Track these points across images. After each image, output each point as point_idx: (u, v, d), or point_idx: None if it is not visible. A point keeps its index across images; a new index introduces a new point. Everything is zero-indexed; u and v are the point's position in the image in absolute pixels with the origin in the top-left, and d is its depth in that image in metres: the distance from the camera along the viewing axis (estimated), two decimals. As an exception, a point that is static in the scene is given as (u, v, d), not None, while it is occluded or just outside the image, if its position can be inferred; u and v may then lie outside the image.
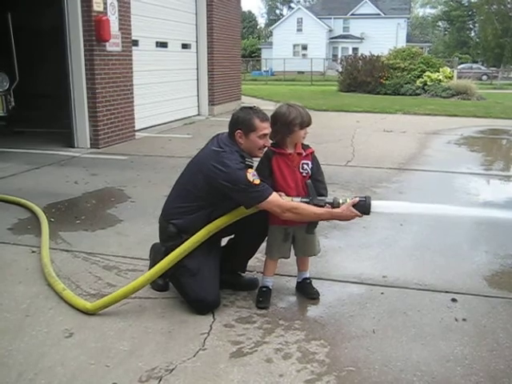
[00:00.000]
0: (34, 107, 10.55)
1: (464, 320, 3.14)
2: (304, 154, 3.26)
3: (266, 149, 3.26)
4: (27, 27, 10.72)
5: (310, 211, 3.11)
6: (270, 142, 3.27)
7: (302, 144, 3.29)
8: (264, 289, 3.42)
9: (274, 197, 3.08)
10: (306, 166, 3.25)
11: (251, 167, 3.14)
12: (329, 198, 3.17)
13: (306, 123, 3.18)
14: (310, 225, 3.25)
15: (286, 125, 3.15)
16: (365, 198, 3.12)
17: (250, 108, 3.27)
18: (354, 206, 3.10)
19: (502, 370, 2.66)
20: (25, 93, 10.06)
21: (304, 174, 3.24)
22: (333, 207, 3.13)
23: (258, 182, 3.07)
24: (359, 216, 3.12)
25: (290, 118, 3.14)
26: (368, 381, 2.58)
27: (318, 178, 3.28)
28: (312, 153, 3.31)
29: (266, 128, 3.17)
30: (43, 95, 10.91)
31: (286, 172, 3.21)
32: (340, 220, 3.26)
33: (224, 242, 3.54)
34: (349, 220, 3.19)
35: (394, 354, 2.81)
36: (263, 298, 3.38)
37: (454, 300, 3.39)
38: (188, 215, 3.24)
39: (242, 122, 3.18)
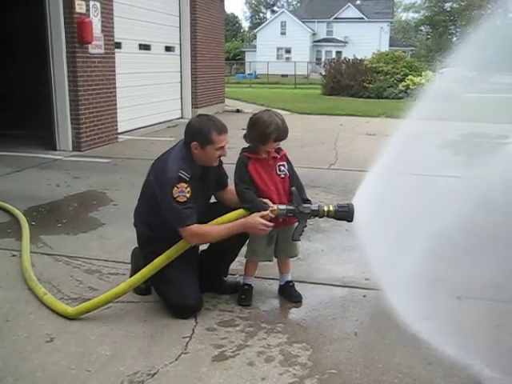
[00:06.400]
0: (7, 109, 10.39)
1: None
2: (278, 156, 3.29)
3: (241, 155, 3.26)
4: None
5: (213, 231, 3.12)
6: (245, 146, 3.29)
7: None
8: (246, 286, 3.46)
9: (191, 227, 3.05)
10: (282, 168, 3.29)
11: (185, 182, 3.06)
12: (314, 206, 3.19)
13: (280, 138, 3.19)
14: (296, 231, 3.20)
15: (262, 135, 3.16)
16: (347, 204, 3.14)
17: (208, 117, 3.24)
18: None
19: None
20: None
21: (282, 176, 3.27)
22: (318, 215, 3.16)
23: (182, 199, 3.03)
24: (268, 226, 3.09)
25: (268, 130, 3.14)
26: (350, 383, 2.59)
27: (298, 184, 3.30)
28: (285, 154, 3.35)
29: (223, 140, 3.14)
30: (14, 96, 10.76)
31: (265, 176, 3.23)
32: (247, 230, 3.14)
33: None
34: (258, 230, 3.10)
35: (375, 356, 2.83)
36: (245, 295, 3.41)
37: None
38: (151, 223, 3.26)
39: (198, 134, 3.14)
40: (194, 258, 3.37)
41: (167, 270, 3.17)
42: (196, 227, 3.07)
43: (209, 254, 3.50)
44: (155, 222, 3.25)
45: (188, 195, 3.04)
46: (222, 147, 3.16)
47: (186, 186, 3.05)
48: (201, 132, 3.13)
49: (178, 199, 3.02)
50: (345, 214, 3.12)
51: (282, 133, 3.18)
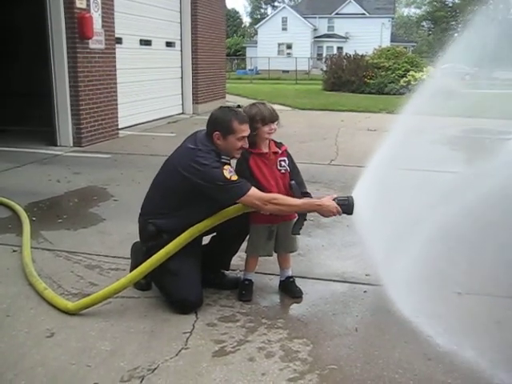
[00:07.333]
0: (8, 105, 10.39)
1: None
2: (280, 151, 3.29)
3: (243, 150, 3.25)
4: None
5: (290, 201, 3.12)
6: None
7: (275, 142, 3.31)
8: (246, 282, 3.46)
9: (254, 190, 3.08)
10: (283, 163, 3.29)
11: (228, 164, 3.14)
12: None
13: (267, 119, 3.19)
14: (296, 225, 3.23)
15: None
16: (347, 198, 3.13)
17: (229, 108, 3.26)
18: (338, 205, 3.11)
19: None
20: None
21: (283, 171, 3.28)
22: None
23: (235, 177, 3.07)
24: (339, 212, 3.11)
25: (251, 113, 3.17)
26: (350, 379, 2.59)
27: (298, 179, 3.31)
28: (286, 150, 3.36)
29: (244, 130, 3.14)
30: (17, 93, 10.77)
31: (265, 171, 3.23)
32: (320, 212, 3.14)
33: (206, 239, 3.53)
34: (330, 213, 3.12)
35: (376, 351, 2.82)
36: (246, 291, 3.41)
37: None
38: (167, 216, 3.23)
39: (220, 123, 3.15)
40: (197, 251, 3.36)
41: (169, 263, 3.16)
42: (258, 191, 3.09)
43: (212, 246, 3.50)
44: (175, 215, 3.21)
45: (235, 174, 3.10)
46: (244, 137, 3.16)
47: (230, 167, 3.13)
48: (223, 121, 3.14)
49: (232, 178, 3.06)
50: (345, 207, 3.11)
51: (265, 113, 3.18)
